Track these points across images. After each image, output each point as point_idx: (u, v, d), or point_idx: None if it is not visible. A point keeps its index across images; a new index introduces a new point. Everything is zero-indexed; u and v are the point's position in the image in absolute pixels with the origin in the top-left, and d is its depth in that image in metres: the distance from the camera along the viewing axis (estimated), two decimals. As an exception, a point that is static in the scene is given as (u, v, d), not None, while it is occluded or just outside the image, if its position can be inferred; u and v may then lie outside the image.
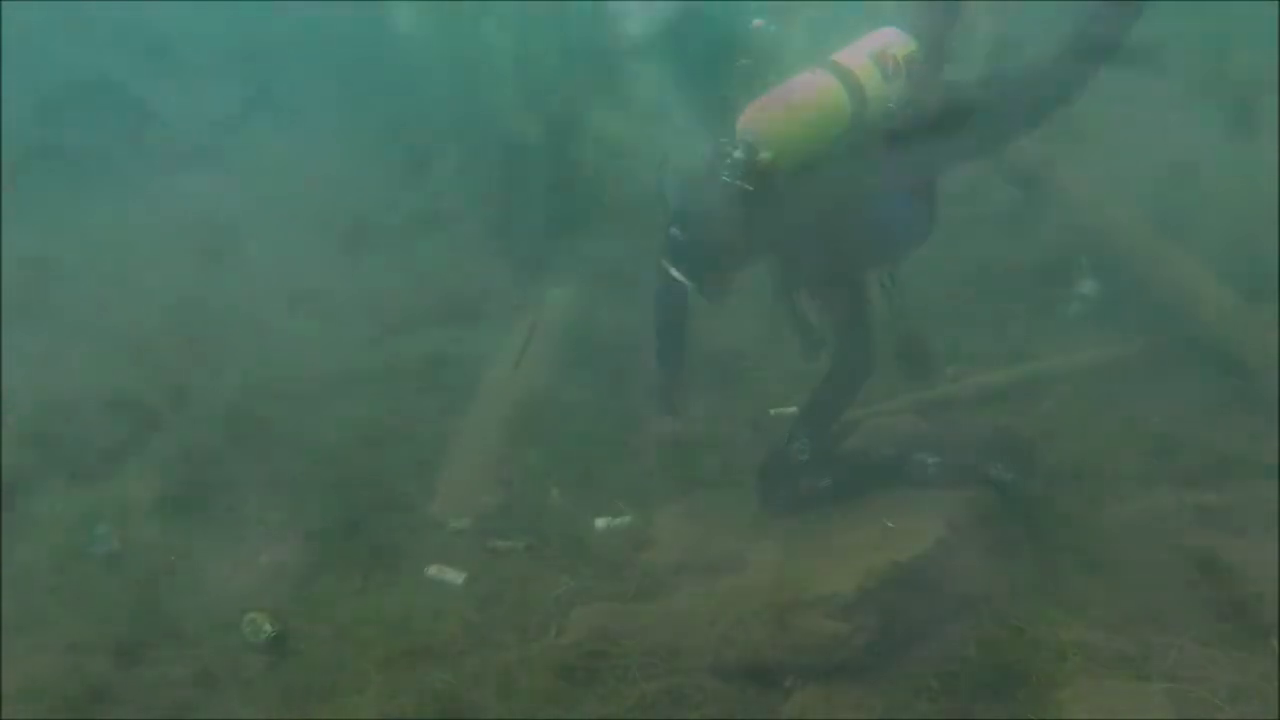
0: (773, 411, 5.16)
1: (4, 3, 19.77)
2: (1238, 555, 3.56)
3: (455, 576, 4.13)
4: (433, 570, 4.21)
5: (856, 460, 4.15)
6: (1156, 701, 2.81)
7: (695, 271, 3.80)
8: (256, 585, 4.32)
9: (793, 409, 4.91)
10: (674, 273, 3.84)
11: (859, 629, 3.08)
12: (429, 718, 3.19)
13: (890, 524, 3.44)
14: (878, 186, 3.73)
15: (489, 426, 5.57)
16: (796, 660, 3.09)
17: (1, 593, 4.39)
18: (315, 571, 4.40)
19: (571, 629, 3.57)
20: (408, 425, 5.88)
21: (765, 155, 3.49)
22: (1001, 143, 4.09)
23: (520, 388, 5.96)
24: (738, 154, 3.51)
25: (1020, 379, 5.37)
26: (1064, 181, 6.81)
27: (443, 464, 5.30)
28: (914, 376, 4.16)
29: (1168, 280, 5.73)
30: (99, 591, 4.35)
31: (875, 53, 3.67)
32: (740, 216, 3.60)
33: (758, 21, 3.73)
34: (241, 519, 4.92)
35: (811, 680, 3.09)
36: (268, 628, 3.86)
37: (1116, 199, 6.58)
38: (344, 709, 3.31)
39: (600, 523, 4.35)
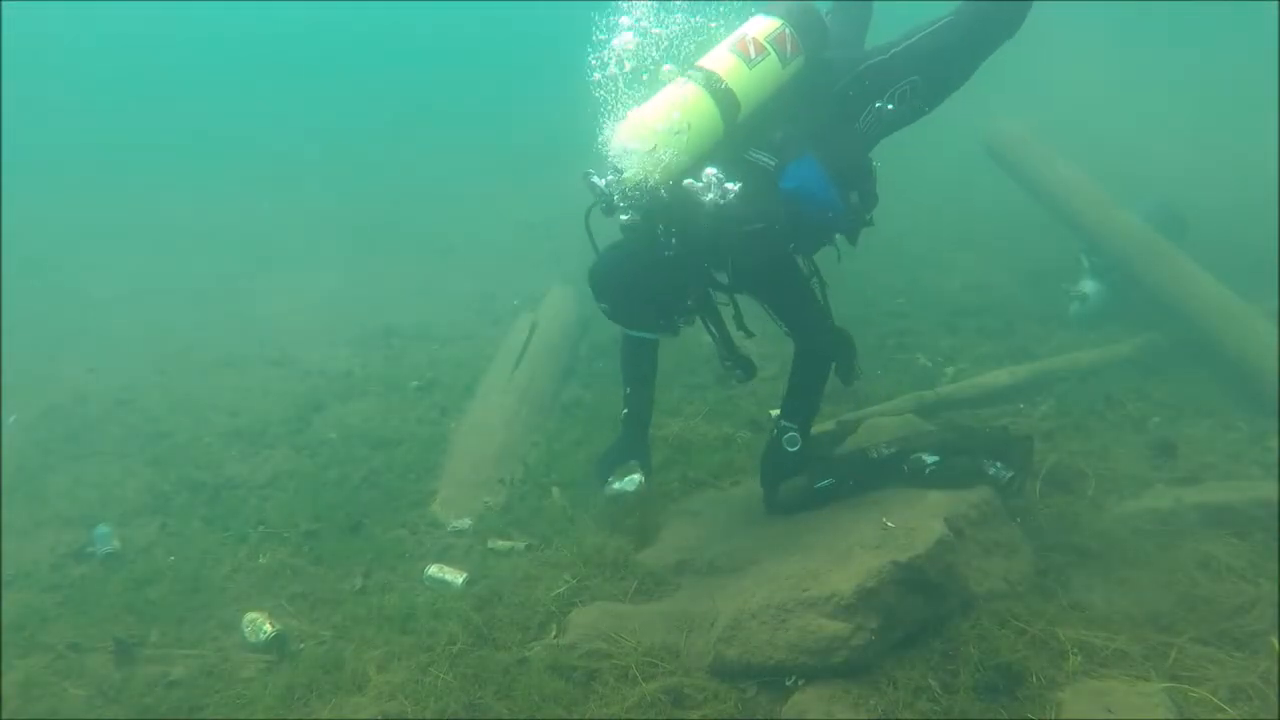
0: (773, 412, 5.16)
1: (4, 2, 19.79)
2: (1238, 555, 3.57)
3: (455, 576, 4.13)
4: (433, 570, 4.21)
5: (857, 459, 4.14)
6: (1156, 701, 2.80)
7: (649, 326, 3.85)
8: (256, 585, 4.33)
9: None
10: (633, 333, 3.87)
11: (859, 629, 3.08)
12: (429, 718, 3.19)
13: (890, 524, 3.43)
14: (777, 174, 3.65)
15: (489, 426, 5.57)
16: (796, 660, 3.10)
17: (1, 593, 4.39)
18: (315, 571, 4.40)
19: (571, 629, 3.57)
20: (408, 425, 5.89)
21: (630, 174, 3.44)
22: (919, 104, 3.93)
23: (519, 388, 5.97)
24: (604, 182, 3.48)
25: (1020, 379, 5.37)
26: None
27: (443, 464, 5.31)
28: (842, 376, 4.15)
29: (1166, 278, 5.74)
30: (99, 591, 4.35)
31: (734, 44, 3.65)
32: (651, 255, 3.59)
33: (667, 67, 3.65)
34: (241, 519, 4.92)
35: (811, 680, 3.10)
36: (268, 628, 3.86)
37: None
38: (344, 709, 3.31)
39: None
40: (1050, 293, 6.57)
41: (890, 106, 3.85)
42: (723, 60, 3.59)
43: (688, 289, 3.80)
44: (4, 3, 20.23)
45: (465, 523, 4.67)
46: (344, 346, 7.52)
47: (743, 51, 3.60)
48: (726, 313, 4.03)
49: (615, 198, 3.49)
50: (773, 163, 3.66)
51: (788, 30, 3.68)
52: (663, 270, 3.64)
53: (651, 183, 3.45)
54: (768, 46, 3.63)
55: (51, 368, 7.53)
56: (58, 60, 22.55)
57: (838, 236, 3.99)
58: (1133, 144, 9.68)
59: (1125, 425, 4.85)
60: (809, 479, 4.01)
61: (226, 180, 14.01)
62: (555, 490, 4.83)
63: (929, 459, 3.89)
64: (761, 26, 3.69)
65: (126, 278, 10.07)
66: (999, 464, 3.86)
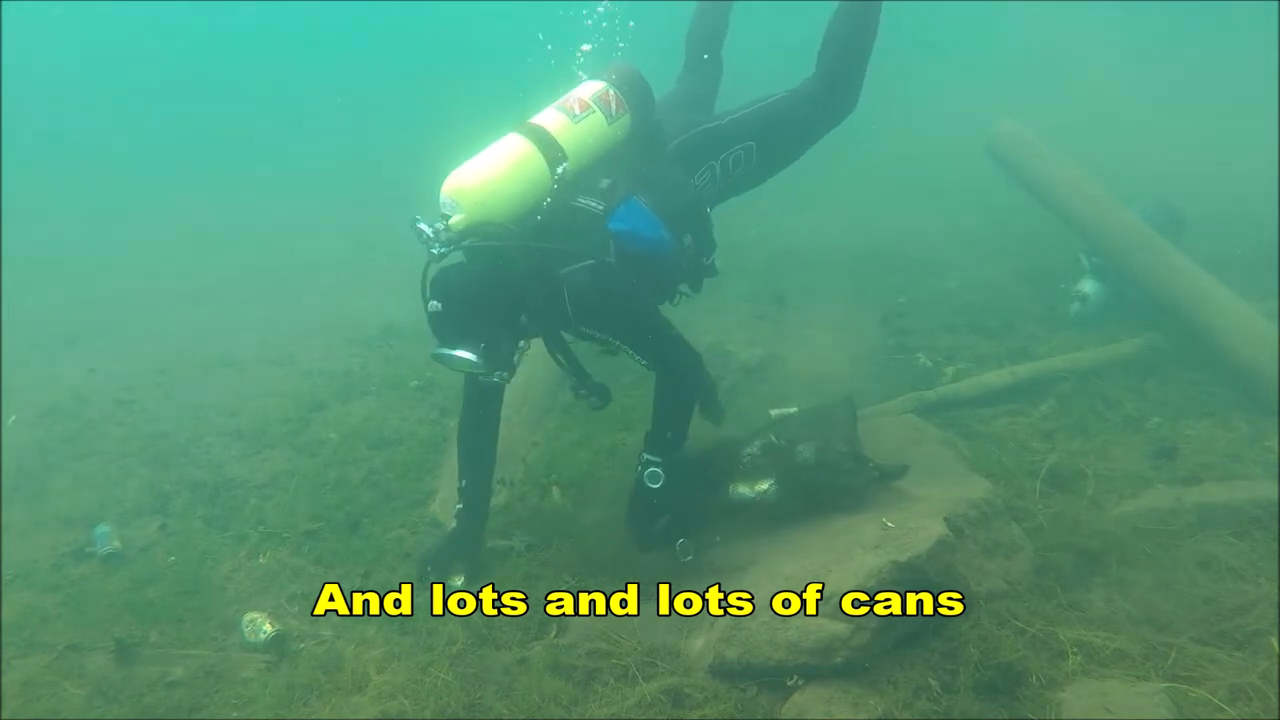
0: (774, 412, 5.16)
1: (4, 2, 19.81)
2: (1238, 555, 3.57)
3: (455, 577, 4.13)
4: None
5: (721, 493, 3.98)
6: (1156, 701, 2.80)
7: (471, 344, 3.71)
8: (256, 585, 4.33)
9: (793, 409, 4.91)
10: (461, 359, 3.69)
11: (859, 629, 3.08)
12: (429, 718, 3.19)
13: (890, 524, 3.44)
14: (605, 217, 3.75)
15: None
16: (796, 660, 3.10)
17: (2, 593, 4.39)
18: (315, 571, 4.40)
19: (571, 629, 3.57)
20: (408, 425, 5.89)
21: (457, 219, 3.56)
22: (752, 171, 4.21)
23: (520, 388, 5.95)
24: (431, 227, 3.55)
25: (1020, 379, 5.37)
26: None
27: (443, 464, 5.31)
28: (707, 413, 4.27)
29: (1166, 277, 5.73)
30: (99, 591, 4.35)
31: (560, 103, 3.85)
32: (482, 288, 3.69)
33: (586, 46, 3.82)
34: (241, 519, 4.92)
35: (811, 680, 3.10)
36: (267, 628, 3.86)
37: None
38: (344, 709, 3.31)
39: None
40: (1050, 293, 6.58)
41: (722, 168, 4.11)
42: (550, 116, 3.79)
43: (526, 319, 3.86)
44: (4, 2, 20.23)
45: (465, 523, 4.66)
46: (344, 346, 7.52)
47: (568, 109, 3.82)
48: (580, 346, 4.04)
49: (441, 245, 3.56)
50: (600, 207, 3.78)
51: (611, 91, 3.90)
52: (508, 289, 3.73)
53: (476, 229, 3.57)
54: (592, 104, 3.85)
55: (51, 368, 7.54)
56: (60, 60, 22.56)
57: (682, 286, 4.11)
58: (1133, 144, 9.68)
59: (1125, 425, 4.85)
60: (675, 524, 3.88)
61: (227, 181, 14.03)
62: (555, 490, 4.83)
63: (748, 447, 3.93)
64: (587, 88, 3.92)
65: (127, 278, 10.08)
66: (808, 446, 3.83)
